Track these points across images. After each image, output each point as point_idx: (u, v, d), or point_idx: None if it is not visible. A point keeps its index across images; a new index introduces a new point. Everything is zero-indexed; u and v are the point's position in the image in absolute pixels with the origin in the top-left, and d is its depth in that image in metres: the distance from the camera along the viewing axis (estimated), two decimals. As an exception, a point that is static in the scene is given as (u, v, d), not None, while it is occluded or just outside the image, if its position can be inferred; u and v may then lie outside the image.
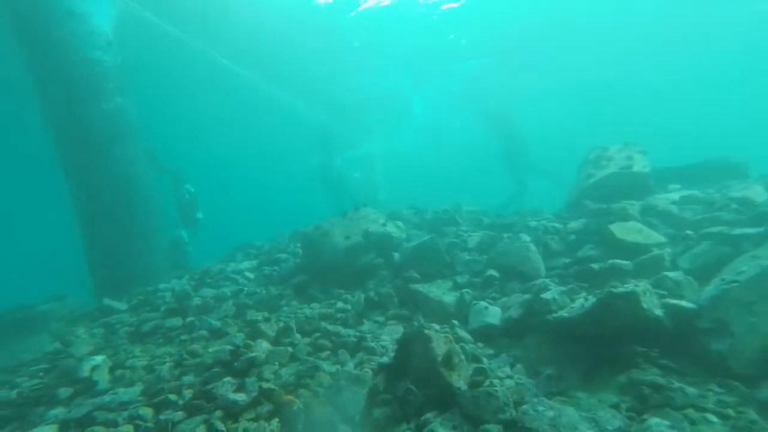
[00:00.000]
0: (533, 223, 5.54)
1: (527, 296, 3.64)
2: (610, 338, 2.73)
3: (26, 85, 6.92)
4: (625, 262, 3.44)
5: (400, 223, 7.30)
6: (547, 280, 3.77)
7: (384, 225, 6.23)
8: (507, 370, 2.99)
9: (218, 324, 4.36)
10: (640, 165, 5.29)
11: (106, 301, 5.03)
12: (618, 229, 3.83)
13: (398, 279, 5.18)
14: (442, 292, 4.62)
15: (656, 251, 3.51)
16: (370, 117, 22.00)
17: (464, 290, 4.36)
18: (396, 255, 5.85)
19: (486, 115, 19.27)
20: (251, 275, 6.09)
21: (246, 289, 5.50)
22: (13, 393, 3.10)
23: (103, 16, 7.17)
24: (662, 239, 3.74)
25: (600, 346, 2.77)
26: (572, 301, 3.24)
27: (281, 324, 4.36)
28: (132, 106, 7.10)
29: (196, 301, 4.93)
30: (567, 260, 4.19)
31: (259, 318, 4.48)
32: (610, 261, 3.53)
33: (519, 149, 17.67)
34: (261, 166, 30.17)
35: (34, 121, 7.50)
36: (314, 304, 5.07)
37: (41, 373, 3.49)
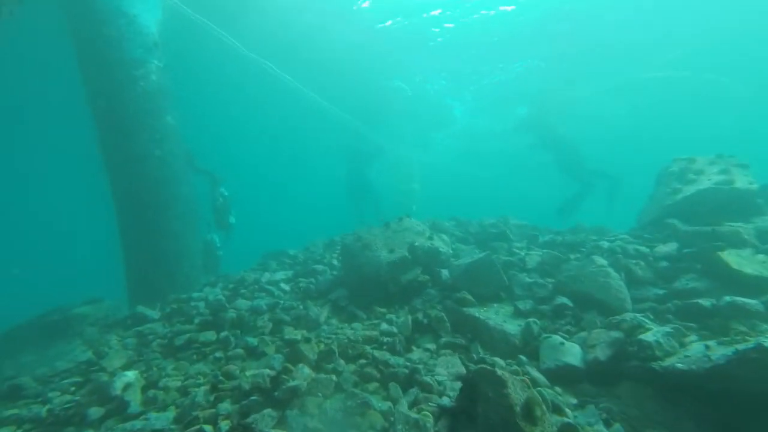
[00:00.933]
0: (606, 244, 4.97)
1: (616, 334, 3.14)
2: (747, 401, 2.21)
3: (72, 86, 7.17)
4: (751, 300, 2.88)
5: (445, 237, 6.91)
6: (639, 315, 3.25)
7: (430, 238, 5.86)
8: (602, 428, 2.52)
9: (255, 342, 4.14)
10: (744, 180, 4.63)
11: (140, 308, 4.96)
12: (733, 258, 3.25)
13: (448, 300, 4.78)
14: (502, 319, 4.17)
15: (790, 289, 2.93)
16: (406, 122, 21.78)
17: (530, 319, 3.89)
18: (444, 272, 5.46)
19: (532, 123, 18.49)
20: (287, 287, 5.88)
21: (282, 302, 5.28)
22: (44, 410, 2.98)
23: (150, 17, 7.33)
24: (794, 274, 3.14)
25: (732, 410, 2.25)
26: (682, 346, 2.72)
27: (322, 346, 4.08)
28: (171, 107, 7.19)
29: (231, 313, 4.75)
30: (660, 291, 3.63)
31: (299, 338, 4.22)
32: (728, 298, 2.97)
33: (572, 155, 16.77)
34: (290, 172, 30.72)
35: (78, 119, 7.78)
36: (356, 324, 4.76)
37: (73, 388, 3.38)
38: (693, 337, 2.84)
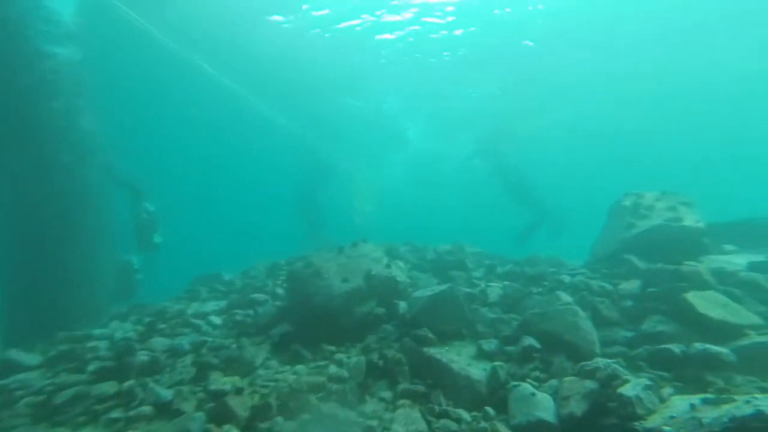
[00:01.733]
0: (567, 278, 4.95)
1: (591, 384, 2.94)
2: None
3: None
4: (722, 349, 2.84)
5: (401, 264, 6.58)
6: (611, 363, 3.10)
7: (388, 266, 5.48)
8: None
9: (169, 395, 3.38)
10: (692, 218, 4.90)
11: (12, 352, 3.90)
12: (698, 301, 3.27)
13: (406, 337, 4.37)
14: (466, 361, 3.85)
15: (756, 337, 2.95)
16: (360, 141, 21.66)
17: (496, 363, 3.62)
18: (402, 305, 5.08)
19: (486, 150, 19.21)
20: (218, 320, 5.12)
21: (211, 340, 4.53)
22: None
23: (63, 2, 6.41)
24: (757, 319, 3.21)
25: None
26: (661, 401, 2.57)
27: (257, 398, 3.47)
28: (87, 107, 6.22)
29: (142, 356, 3.92)
30: (628, 334, 3.56)
31: (228, 387, 3.54)
32: (699, 346, 2.92)
33: (524, 184, 17.53)
34: (230, 188, 28.90)
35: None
36: (300, 367, 4.18)
37: None
38: (669, 389, 2.71)
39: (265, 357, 4.35)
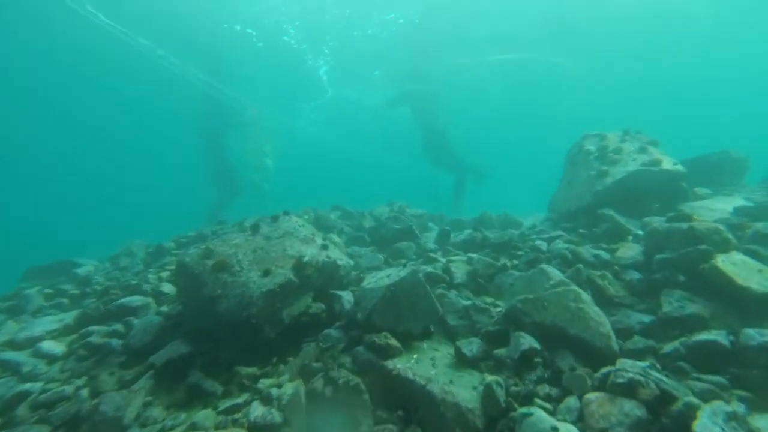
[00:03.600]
0: (543, 245, 4.29)
1: (633, 408, 2.25)
2: None
3: None
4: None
5: (336, 238, 5.39)
6: (644, 366, 2.45)
7: (324, 247, 4.25)
8: None
9: None
10: (669, 161, 4.52)
11: None
12: (731, 268, 2.73)
13: (360, 347, 3.33)
14: (446, 376, 2.96)
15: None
16: (262, 81, 18.77)
17: (491, 379, 2.77)
18: (345, 298, 3.98)
19: (409, 97, 18.02)
20: (58, 348, 3.44)
21: (40, 388, 2.91)
22: None
23: None
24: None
25: None
26: (747, 433, 1.93)
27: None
28: None
29: None
30: (645, 318, 2.97)
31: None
32: (754, 332, 2.37)
33: (444, 140, 16.94)
34: (93, 141, 23.59)
35: None
36: (203, 413, 2.90)
37: None
38: (739, 407, 2.11)
39: (143, 403, 2.93)
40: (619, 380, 2.41)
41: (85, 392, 2.85)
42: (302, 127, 25.21)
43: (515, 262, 4.18)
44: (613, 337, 2.83)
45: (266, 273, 3.71)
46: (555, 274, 3.45)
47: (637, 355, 2.71)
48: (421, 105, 17.42)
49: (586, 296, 3.08)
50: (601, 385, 2.51)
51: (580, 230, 4.43)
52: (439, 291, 3.99)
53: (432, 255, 4.89)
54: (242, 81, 18.33)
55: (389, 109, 19.64)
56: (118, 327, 3.62)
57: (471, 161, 16.31)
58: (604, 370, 2.58)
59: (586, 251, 3.75)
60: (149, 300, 4.07)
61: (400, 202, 9.45)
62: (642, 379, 2.33)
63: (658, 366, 2.52)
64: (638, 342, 2.82)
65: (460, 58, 18.93)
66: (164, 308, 3.92)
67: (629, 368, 2.49)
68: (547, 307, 3.09)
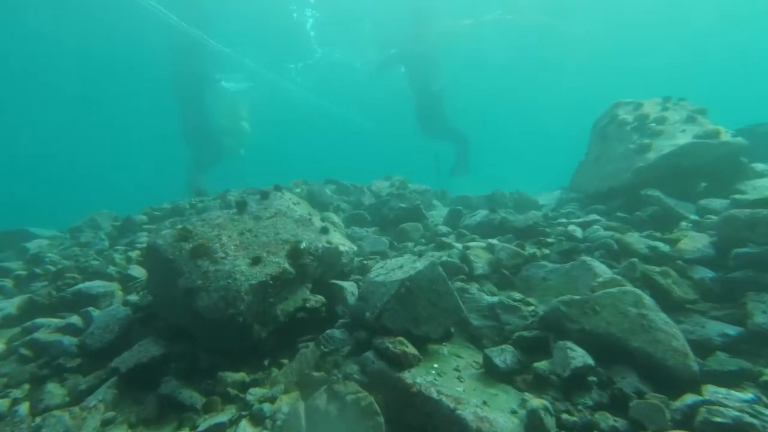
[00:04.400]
0: (578, 231, 3.81)
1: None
2: None
3: None
4: None
5: (335, 218, 4.83)
6: (750, 399, 2.03)
7: (324, 230, 3.68)
8: None
9: None
10: (726, 133, 4.02)
11: None
12: None
13: (369, 353, 2.86)
14: (478, 396, 2.51)
15: None
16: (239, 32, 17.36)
17: (536, 405, 2.32)
18: (348, 290, 3.48)
19: (402, 59, 16.90)
20: None
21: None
22: None
23: None
24: None
25: None
26: None
27: None
28: None
29: None
30: (730, 331, 2.53)
31: None
32: None
33: (439, 106, 16.01)
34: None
35: None
36: (179, 437, 2.39)
37: None
38: None
39: (102, 421, 2.41)
40: (718, 419, 1.94)
41: (24, 408, 2.31)
42: (288, 89, 23.88)
43: (545, 251, 3.70)
44: (691, 355, 2.39)
45: (256, 261, 3.14)
46: (602, 269, 2.98)
47: (726, 379, 2.27)
48: (415, 66, 16.43)
49: (649, 300, 2.62)
50: (686, 421, 2.06)
51: (619, 214, 3.96)
52: (458, 284, 3.51)
53: (444, 240, 4.38)
54: (220, 31, 16.91)
55: (380, 71, 18.56)
56: (74, 320, 3.04)
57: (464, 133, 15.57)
58: (688, 399, 2.13)
59: (636, 241, 3.28)
60: (114, 286, 3.47)
61: (398, 176, 8.88)
62: (757, 422, 1.87)
63: (765, 400, 2.08)
64: (725, 362, 2.38)
65: (460, 19, 17.86)
66: (132, 297, 3.34)
67: (727, 401, 2.05)
68: (599, 311, 2.63)
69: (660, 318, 2.51)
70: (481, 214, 4.91)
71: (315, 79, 24.72)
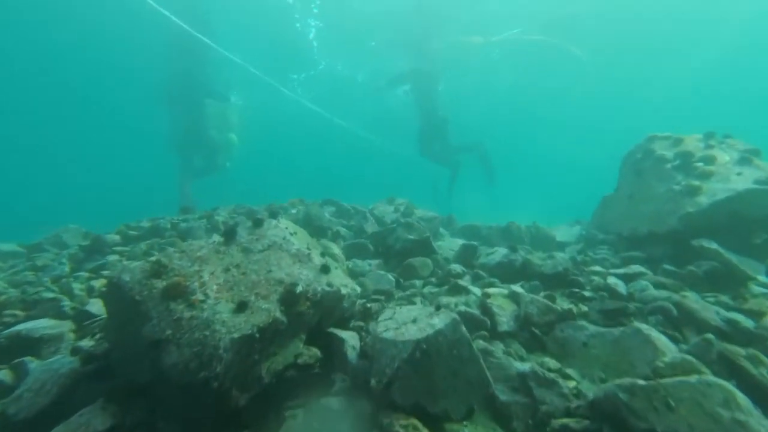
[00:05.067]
0: (620, 284, 3.34)
1: None
2: None
3: None
4: None
5: (335, 249, 4.34)
6: None
7: (325, 269, 3.18)
8: None
9: None
10: None
11: None
12: None
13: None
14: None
15: None
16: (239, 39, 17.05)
17: None
18: (351, 345, 2.97)
19: (411, 77, 16.71)
20: None
21: None
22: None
23: None
24: None
25: None
26: None
27: None
28: None
29: None
30: None
31: None
32: None
33: (444, 131, 15.76)
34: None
35: None
36: None
37: None
38: None
39: None
40: None
41: None
42: (287, 101, 23.57)
43: (583, 307, 3.22)
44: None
45: (241, 307, 2.63)
46: (664, 343, 2.51)
47: None
48: (423, 87, 16.24)
49: (744, 400, 2.12)
50: None
51: (666, 266, 3.51)
52: (479, 343, 3.01)
53: (459, 282, 3.88)
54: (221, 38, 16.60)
55: (388, 89, 18.38)
56: (3, 374, 2.47)
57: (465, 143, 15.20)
58: None
59: (703, 307, 2.81)
60: (66, 326, 2.91)
61: (401, 198, 8.45)
62: None
63: None
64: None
65: (470, 37, 17.80)
66: (85, 343, 2.78)
67: None
68: (674, 407, 2.13)
69: (757, 424, 2.02)
70: (500, 253, 4.45)
71: (318, 91, 24.52)
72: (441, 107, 15.60)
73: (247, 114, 20.60)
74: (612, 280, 3.40)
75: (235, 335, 2.48)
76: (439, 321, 2.74)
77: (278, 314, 2.68)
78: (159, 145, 14.74)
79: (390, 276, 4.23)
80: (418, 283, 4.30)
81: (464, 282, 3.97)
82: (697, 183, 3.76)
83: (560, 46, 18.23)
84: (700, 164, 3.94)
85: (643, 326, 2.65)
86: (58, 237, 4.62)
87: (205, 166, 13.87)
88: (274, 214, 3.69)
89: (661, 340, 2.51)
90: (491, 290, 3.73)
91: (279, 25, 18.09)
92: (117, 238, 4.50)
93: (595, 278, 3.54)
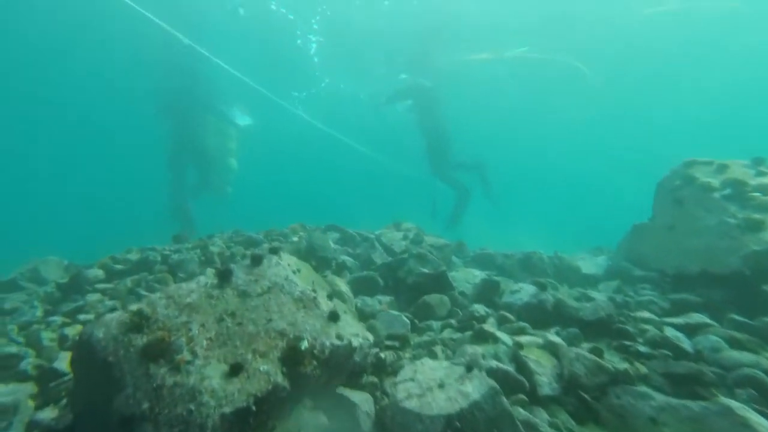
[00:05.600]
0: (685, 342, 2.91)
1: None
2: None
3: None
4: None
5: (342, 286, 3.93)
6: None
7: (333, 317, 2.77)
8: None
9: None
10: None
11: None
12: None
13: None
14: None
15: None
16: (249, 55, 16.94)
17: None
18: (364, 412, 2.54)
19: (412, 93, 16.53)
20: None
21: None
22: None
23: None
24: None
25: None
26: None
27: None
28: None
29: None
30: None
31: None
32: None
33: (444, 144, 15.50)
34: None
35: None
36: None
37: None
38: None
39: None
40: None
41: None
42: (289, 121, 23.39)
43: (641, 368, 2.77)
44: None
45: (235, 370, 2.21)
46: (764, 427, 2.05)
47: None
48: (426, 104, 16.04)
49: None
50: None
51: (734, 316, 3.07)
52: (519, 411, 2.55)
53: (485, 328, 3.44)
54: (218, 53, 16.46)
55: (388, 105, 18.23)
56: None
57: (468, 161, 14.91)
58: None
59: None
60: (26, 391, 2.47)
61: (408, 222, 8.07)
62: None
63: None
64: None
65: (476, 53, 17.73)
66: (46, 414, 2.34)
67: None
68: None
69: None
70: (527, 291, 4.02)
71: (321, 109, 24.41)
72: (444, 124, 15.37)
73: (250, 134, 20.40)
74: (671, 333, 2.95)
75: (227, 410, 2.05)
76: (473, 389, 2.31)
77: (279, 379, 2.25)
78: (154, 161, 14.45)
79: (404, 317, 3.80)
80: (435, 325, 3.87)
81: (490, 327, 3.54)
82: (758, 216, 3.38)
83: (568, 63, 18.17)
84: (757, 194, 3.58)
85: (734, 404, 2.20)
86: (36, 271, 4.19)
87: (200, 182, 13.55)
88: (274, 250, 3.30)
89: (763, 426, 2.06)
90: (523, 339, 3.30)
91: (280, 42, 18.09)
92: (100, 273, 4.08)
93: (648, 327, 3.11)
